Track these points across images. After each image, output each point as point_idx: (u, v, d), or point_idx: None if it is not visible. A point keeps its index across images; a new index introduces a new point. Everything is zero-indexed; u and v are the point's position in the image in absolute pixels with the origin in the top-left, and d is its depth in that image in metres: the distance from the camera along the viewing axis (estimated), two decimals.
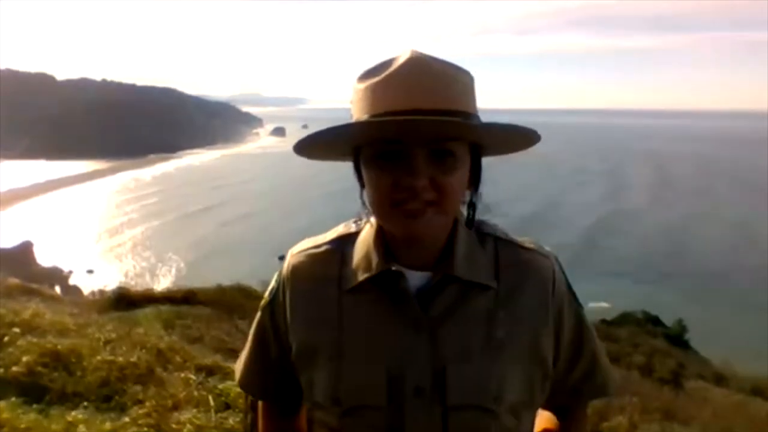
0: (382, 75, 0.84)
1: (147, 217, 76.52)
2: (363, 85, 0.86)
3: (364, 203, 0.93)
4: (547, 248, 0.97)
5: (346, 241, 0.98)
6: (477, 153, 0.90)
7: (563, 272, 0.97)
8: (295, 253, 1.01)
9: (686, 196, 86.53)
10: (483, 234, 0.95)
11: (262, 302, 1.06)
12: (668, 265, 52.59)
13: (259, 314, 1.06)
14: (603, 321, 21.03)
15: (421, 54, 0.85)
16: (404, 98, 0.82)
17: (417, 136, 0.82)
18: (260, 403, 1.14)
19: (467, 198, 0.93)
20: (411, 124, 0.80)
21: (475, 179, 0.92)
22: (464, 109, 0.84)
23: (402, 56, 0.85)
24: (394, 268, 0.89)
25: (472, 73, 0.89)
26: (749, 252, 56.28)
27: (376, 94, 0.84)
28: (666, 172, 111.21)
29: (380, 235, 0.92)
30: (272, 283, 1.03)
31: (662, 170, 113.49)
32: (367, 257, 0.92)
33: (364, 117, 0.85)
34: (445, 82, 0.83)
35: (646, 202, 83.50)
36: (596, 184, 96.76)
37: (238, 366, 1.12)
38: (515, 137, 0.91)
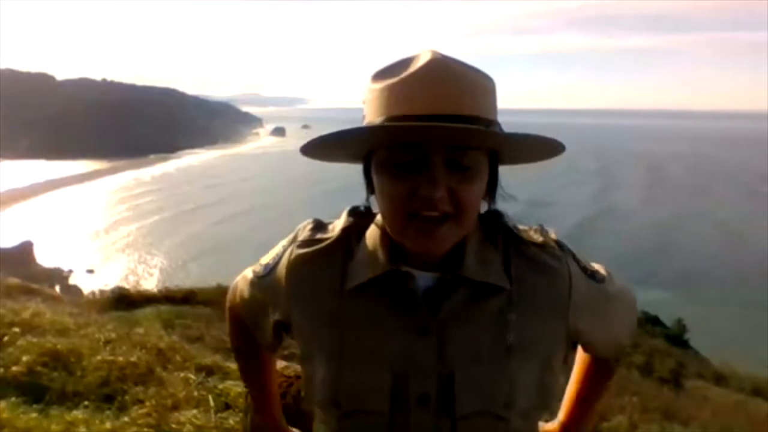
0: (401, 76, 0.79)
1: (147, 215, 76.43)
2: (379, 86, 0.81)
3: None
4: (552, 233, 0.92)
5: (353, 233, 0.92)
6: (495, 161, 0.86)
7: (576, 260, 0.91)
8: (300, 240, 0.95)
9: (684, 197, 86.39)
10: (493, 229, 0.90)
11: (252, 275, 1.02)
12: (665, 264, 52.54)
13: (247, 289, 1.04)
14: None
15: (442, 55, 0.80)
16: (423, 102, 0.77)
17: (436, 143, 0.77)
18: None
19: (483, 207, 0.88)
20: (430, 130, 0.75)
21: (491, 188, 0.87)
22: (485, 116, 0.79)
23: (422, 57, 0.80)
24: (402, 269, 0.85)
25: None
26: (748, 252, 56.27)
27: (393, 96, 0.79)
28: (664, 173, 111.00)
29: (387, 231, 0.87)
30: (269, 259, 0.99)
31: (660, 171, 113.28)
32: (373, 254, 0.87)
33: (378, 120, 0.80)
34: (467, 87, 0.79)
35: (641, 202, 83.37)
36: (591, 184, 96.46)
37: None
38: (539, 147, 0.86)
